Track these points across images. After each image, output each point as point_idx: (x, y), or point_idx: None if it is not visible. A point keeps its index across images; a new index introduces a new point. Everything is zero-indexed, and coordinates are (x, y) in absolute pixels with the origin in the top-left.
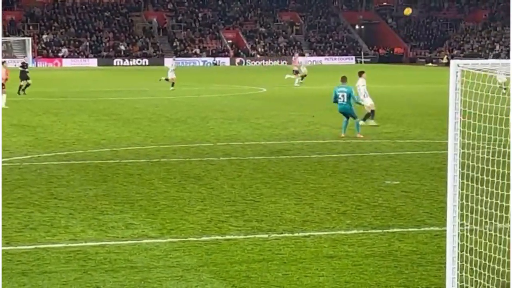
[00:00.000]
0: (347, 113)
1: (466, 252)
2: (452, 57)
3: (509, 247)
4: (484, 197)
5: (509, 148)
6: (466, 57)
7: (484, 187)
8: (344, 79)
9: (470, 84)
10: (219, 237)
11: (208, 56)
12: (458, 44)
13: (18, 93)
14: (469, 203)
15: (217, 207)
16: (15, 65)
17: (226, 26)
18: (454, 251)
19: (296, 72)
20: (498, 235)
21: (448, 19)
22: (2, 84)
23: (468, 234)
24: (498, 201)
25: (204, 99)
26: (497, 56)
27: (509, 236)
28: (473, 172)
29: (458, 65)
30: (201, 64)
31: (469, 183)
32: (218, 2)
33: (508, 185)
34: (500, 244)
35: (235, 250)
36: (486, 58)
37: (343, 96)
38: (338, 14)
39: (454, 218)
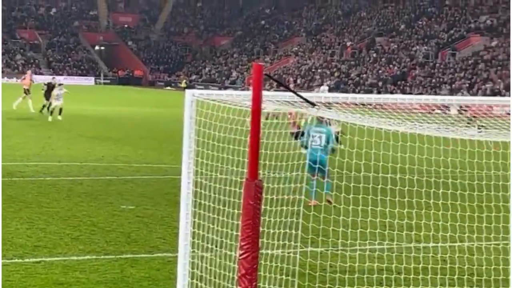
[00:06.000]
0: (322, 164)
1: (197, 280)
2: (191, 82)
3: (235, 273)
4: (215, 226)
5: (241, 178)
6: (204, 82)
7: (216, 215)
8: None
9: (205, 114)
10: None
11: None
12: (197, 69)
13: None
14: (201, 231)
15: None
16: None
17: None
18: (185, 279)
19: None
20: (228, 263)
21: (187, 44)
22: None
23: (199, 261)
24: (228, 230)
25: None
26: (233, 83)
27: (235, 263)
28: (205, 201)
29: (194, 95)
30: None
31: (201, 211)
32: None
33: (237, 214)
34: (228, 272)
35: None
36: (223, 84)
37: (320, 138)
38: (78, 34)
39: (186, 246)
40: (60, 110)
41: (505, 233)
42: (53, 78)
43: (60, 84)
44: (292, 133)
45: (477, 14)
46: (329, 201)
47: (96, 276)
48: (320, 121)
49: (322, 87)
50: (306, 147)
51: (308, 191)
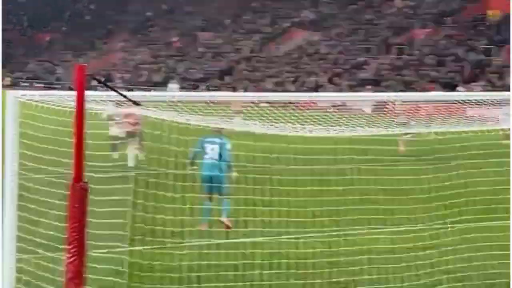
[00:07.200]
0: (217, 180)
1: (23, 285)
2: (15, 79)
3: (63, 277)
4: (41, 229)
5: (67, 180)
6: (29, 79)
7: (42, 218)
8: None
9: (28, 116)
10: None
11: None
12: (21, 66)
13: None
14: (27, 235)
15: None
16: None
17: None
18: (10, 284)
19: None
20: (55, 267)
21: (10, 41)
22: None
23: (25, 266)
24: (55, 233)
25: None
26: (59, 79)
27: (61, 266)
28: (31, 204)
29: (15, 96)
30: None
31: (27, 214)
32: None
33: (64, 216)
34: (56, 276)
35: None
36: (48, 80)
37: (212, 150)
38: None
39: (11, 250)
40: None
41: (328, 226)
42: None
43: None
44: (128, 132)
45: (299, 8)
46: (227, 226)
47: None
48: (216, 131)
49: (170, 85)
50: (192, 164)
51: (202, 213)
